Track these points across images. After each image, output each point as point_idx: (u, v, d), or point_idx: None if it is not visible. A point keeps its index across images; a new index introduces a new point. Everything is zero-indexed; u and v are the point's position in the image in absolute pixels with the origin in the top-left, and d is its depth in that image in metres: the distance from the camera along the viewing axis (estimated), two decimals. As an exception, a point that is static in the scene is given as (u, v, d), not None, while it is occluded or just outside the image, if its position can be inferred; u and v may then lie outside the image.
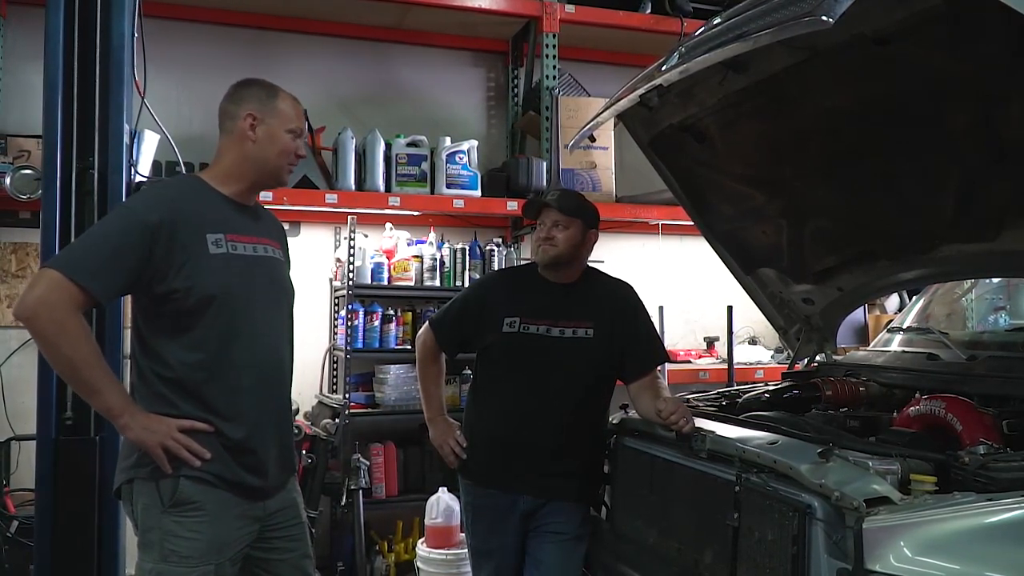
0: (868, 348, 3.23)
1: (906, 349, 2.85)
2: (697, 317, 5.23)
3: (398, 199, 4.15)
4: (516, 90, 4.89)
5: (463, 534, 3.12)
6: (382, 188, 4.16)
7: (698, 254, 4.40)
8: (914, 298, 3.29)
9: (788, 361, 3.26)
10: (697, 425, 2.21)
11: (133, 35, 2.68)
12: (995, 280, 3.20)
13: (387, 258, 4.28)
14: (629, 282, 2.70)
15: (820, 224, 2.76)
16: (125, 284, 1.95)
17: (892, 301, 4.57)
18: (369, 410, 4.21)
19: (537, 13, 4.50)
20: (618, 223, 4.66)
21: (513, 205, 4.28)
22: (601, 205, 2.96)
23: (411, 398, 4.12)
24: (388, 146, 4.21)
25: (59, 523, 2.48)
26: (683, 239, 4.91)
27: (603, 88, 4.54)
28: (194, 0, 4.27)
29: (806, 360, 3.14)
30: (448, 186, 4.25)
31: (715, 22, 2.10)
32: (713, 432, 2.11)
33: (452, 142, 4.30)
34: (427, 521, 3.83)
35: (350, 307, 4.12)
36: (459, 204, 4.25)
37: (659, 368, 2.66)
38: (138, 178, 2.75)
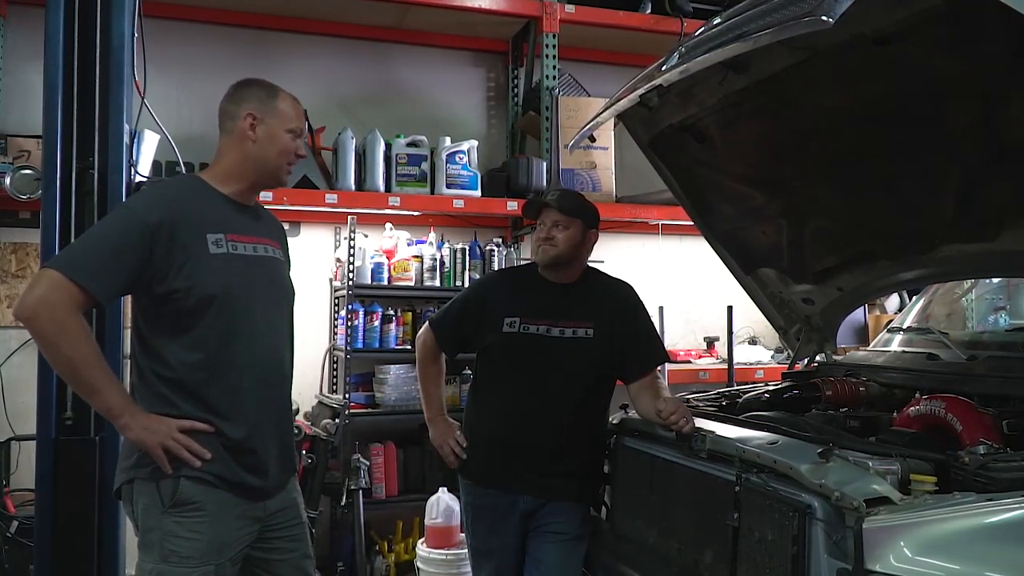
0: (868, 348, 3.23)
1: (906, 349, 2.85)
2: (697, 317, 5.23)
3: (398, 199, 4.15)
4: (516, 90, 4.89)
5: (463, 534, 3.12)
6: (382, 188, 4.17)
7: (698, 254, 4.40)
8: (914, 298, 3.28)
9: (788, 361, 3.26)
10: (697, 425, 2.21)
11: (133, 35, 2.68)
12: (995, 280, 3.20)
13: (387, 258, 4.28)
14: (629, 282, 2.70)
15: (820, 224, 2.76)
16: (125, 284, 1.95)
17: (892, 301, 4.57)
18: (369, 410, 4.21)
19: (537, 13, 4.50)
20: (618, 223, 4.67)
21: (513, 205, 4.28)
22: (601, 205, 2.96)
23: (411, 398, 4.12)
24: (388, 146, 4.21)
25: (59, 523, 2.48)
26: (683, 239, 4.91)
27: (603, 88, 4.54)
28: (194, 0, 4.27)
29: (806, 360, 3.14)
30: (448, 186, 4.25)
31: (715, 22, 2.10)
32: (713, 432, 2.11)
33: (452, 142, 4.30)
34: (427, 521, 3.83)
35: (350, 307, 4.12)
36: (459, 204, 4.25)
37: (659, 368, 2.66)
38: (138, 178, 2.75)
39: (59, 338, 1.87)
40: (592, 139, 3.83)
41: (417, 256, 4.30)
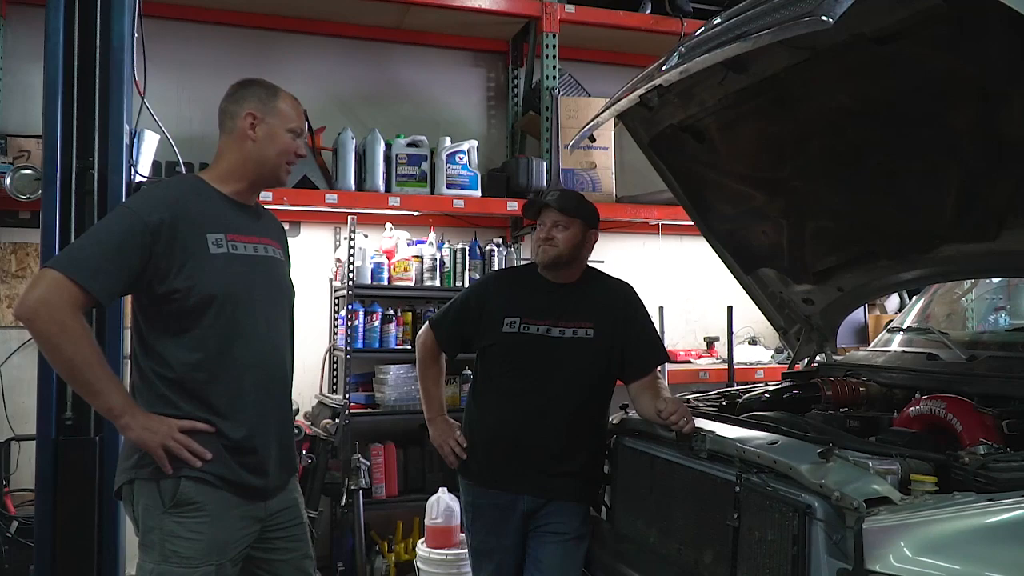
0: (868, 348, 3.23)
1: (906, 349, 2.85)
2: (697, 317, 5.23)
3: (398, 199, 4.16)
4: (516, 90, 4.89)
5: (463, 534, 3.12)
6: (382, 188, 4.17)
7: (698, 254, 4.41)
8: (914, 298, 3.28)
9: (788, 361, 3.26)
10: (697, 425, 2.21)
11: (133, 35, 2.68)
12: (995, 280, 3.20)
13: (387, 258, 4.28)
14: (629, 282, 2.70)
15: (820, 224, 2.76)
16: (126, 284, 1.95)
17: (892, 301, 4.58)
18: (369, 410, 4.22)
19: (537, 13, 4.50)
20: (618, 223, 4.67)
21: (513, 205, 4.28)
22: (601, 205, 2.96)
23: (411, 398, 4.12)
24: (388, 146, 4.21)
25: (59, 523, 2.47)
26: (683, 239, 4.92)
27: (603, 88, 4.55)
28: (194, 0, 4.28)
29: (806, 360, 3.14)
30: (448, 186, 4.26)
31: (715, 22, 2.10)
32: (713, 432, 2.11)
33: (452, 142, 4.30)
34: (427, 521, 3.83)
35: (350, 307, 4.12)
36: (459, 204, 4.25)
37: (659, 368, 2.66)
38: (138, 178, 2.75)
39: (60, 338, 1.87)
40: (592, 139, 3.81)
41: (417, 256, 4.30)
